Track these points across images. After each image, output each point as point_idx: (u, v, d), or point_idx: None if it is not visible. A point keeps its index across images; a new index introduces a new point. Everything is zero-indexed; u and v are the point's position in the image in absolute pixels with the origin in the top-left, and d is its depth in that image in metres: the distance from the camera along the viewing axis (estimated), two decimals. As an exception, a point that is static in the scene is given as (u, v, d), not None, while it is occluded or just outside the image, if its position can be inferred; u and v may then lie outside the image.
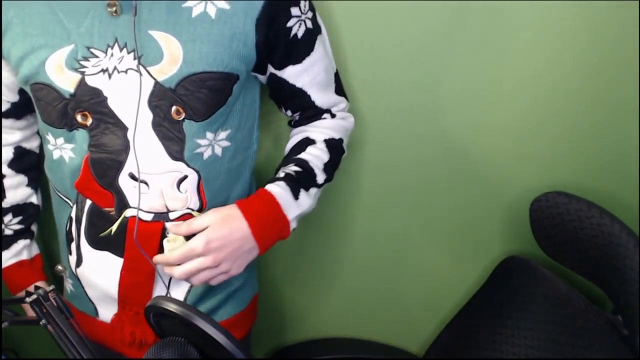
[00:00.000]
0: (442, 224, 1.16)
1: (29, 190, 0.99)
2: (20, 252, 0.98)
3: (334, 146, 0.90)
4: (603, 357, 0.88)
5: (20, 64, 0.77)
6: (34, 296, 0.77)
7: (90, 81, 0.76)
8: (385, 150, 1.10)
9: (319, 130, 0.90)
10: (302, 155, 0.88)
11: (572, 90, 1.02)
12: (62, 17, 0.75)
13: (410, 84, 1.04)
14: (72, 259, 0.90)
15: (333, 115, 0.92)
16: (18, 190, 0.97)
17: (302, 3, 0.80)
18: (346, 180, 1.12)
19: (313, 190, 0.86)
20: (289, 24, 0.79)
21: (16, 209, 0.97)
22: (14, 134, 0.95)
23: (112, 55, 0.75)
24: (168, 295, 0.91)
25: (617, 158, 1.06)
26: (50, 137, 0.82)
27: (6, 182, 0.95)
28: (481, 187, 1.11)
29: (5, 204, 0.96)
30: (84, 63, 0.75)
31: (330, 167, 0.89)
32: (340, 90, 0.93)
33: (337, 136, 0.91)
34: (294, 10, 0.79)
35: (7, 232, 0.97)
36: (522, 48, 0.99)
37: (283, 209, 0.82)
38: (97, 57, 0.75)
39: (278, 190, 0.82)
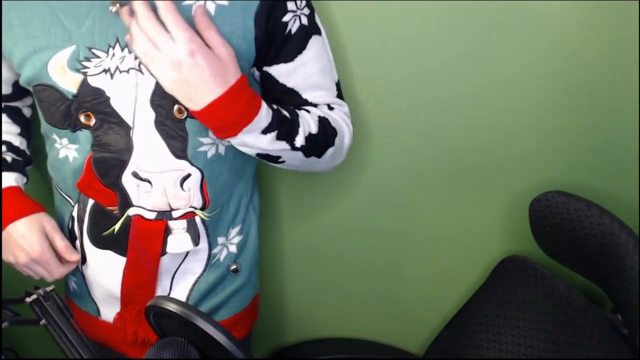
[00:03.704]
0: (441, 224, 1.16)
1: (22, 139, 0.93)
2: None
3: (325, 126, 0.83)
4: (603, 357, 0.88)
5: (23, 65, 0.77)
6: (34, 296, 0.77)
7: (93, 81, 0.76)
8: (384, 151, 1.10)
9: (316, 110, 0.85)
10: (296, 110, 0.82)
11: (572, 90, 1.02)
12: (62, 18, 0.75)
13: (408, 85, 1.04)
14: (77, 256, 0.91)
15: (331, 108, 0.87)
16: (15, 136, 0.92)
17: None
18: (345, 180, 1.12)
19: (281, 144, 0.79)
20: (285, 18, 0.79)
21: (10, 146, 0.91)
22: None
23: (113, 55, 0.75)
24: (169, 295, 0.92)
25: (617, 158, 1.06)
26: (55, 137, 0.82)
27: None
28: (480, 187, 1.11)
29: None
30: (85, 63, 0.76)
31: (313, 143, 0.81)
32: (341, 99, 0.89)
33: (332, 121, 0.85)
34: (290, 5, 0.79)
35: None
36: (521, 47, 0.99)
37: (254, 118, 0.74)
38: (98, 57, 0.75)
39: (265, 109, 0.76)
